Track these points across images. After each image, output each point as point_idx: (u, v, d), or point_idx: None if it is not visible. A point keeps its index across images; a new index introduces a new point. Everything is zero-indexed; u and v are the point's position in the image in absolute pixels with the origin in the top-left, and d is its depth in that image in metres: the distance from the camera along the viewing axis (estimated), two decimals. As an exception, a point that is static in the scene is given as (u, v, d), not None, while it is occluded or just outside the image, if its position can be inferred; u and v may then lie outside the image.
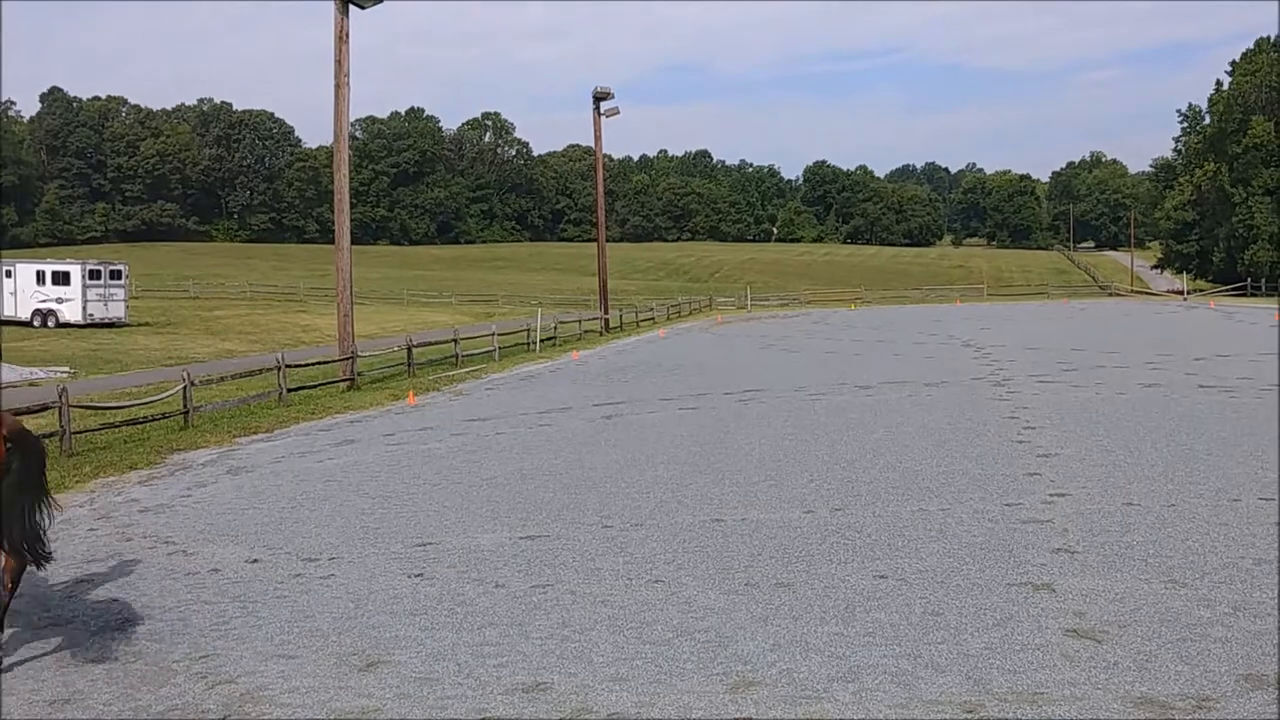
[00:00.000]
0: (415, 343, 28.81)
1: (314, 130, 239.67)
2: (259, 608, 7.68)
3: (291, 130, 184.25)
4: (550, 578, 8.20)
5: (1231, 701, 5.52)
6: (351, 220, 25.55)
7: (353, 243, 25.74)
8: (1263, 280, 68.51)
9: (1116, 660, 6.12)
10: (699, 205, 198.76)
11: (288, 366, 21.77)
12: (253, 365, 25.58)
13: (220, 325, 45.63)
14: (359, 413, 19.51)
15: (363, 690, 6.06)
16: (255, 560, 9.02)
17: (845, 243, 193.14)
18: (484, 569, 8.51)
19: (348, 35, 24.23)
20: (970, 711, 5.50)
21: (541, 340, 36.22)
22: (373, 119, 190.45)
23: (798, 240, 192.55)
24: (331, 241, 26.43)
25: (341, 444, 15.62)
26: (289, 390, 21.28)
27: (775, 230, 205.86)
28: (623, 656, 6.46)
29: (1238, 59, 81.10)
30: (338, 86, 24.36)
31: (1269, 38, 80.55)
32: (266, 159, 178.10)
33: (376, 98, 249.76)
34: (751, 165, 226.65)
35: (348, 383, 23.76)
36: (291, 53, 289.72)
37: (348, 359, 24.29)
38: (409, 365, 27.13)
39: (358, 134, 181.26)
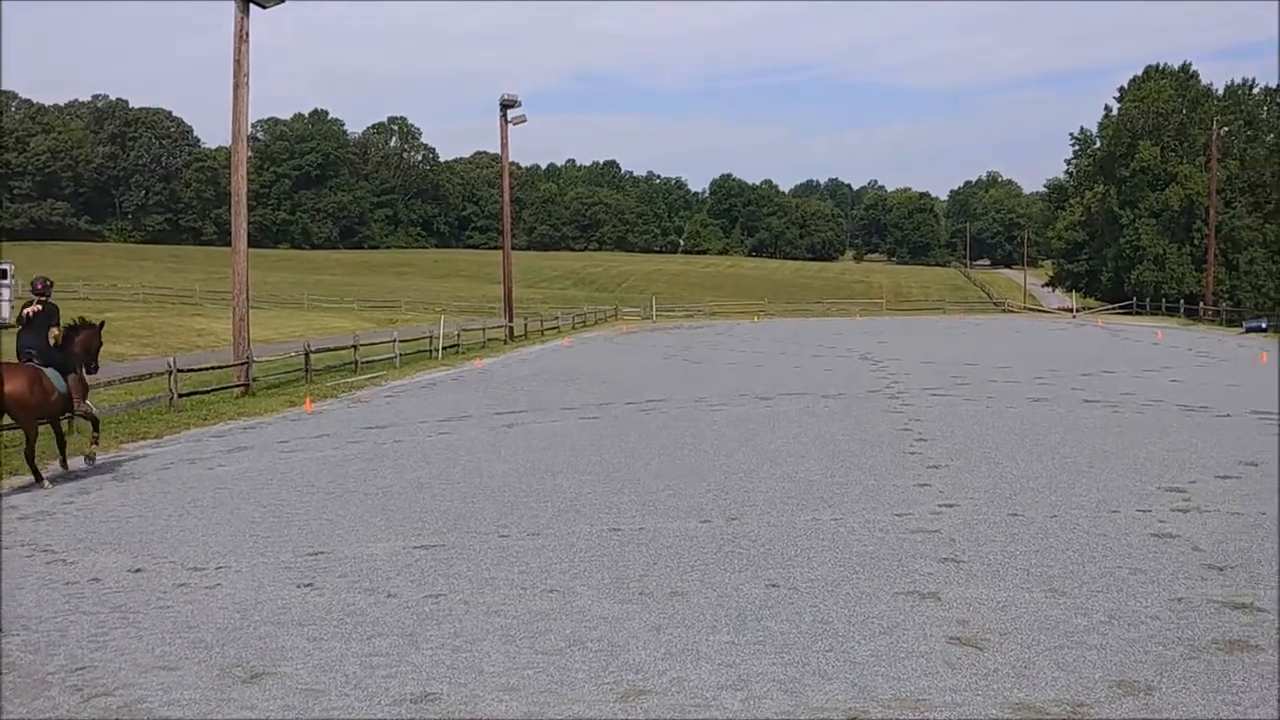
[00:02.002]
0: (314, 348, 28.36)
1: (213, 130, 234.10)
2: (140, 618, 7.47)
3: (190, 130, 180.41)
4: (444, 587, 8.13)
5: (1105, 707, 5.70)
6: (251, 223, 25.08)
7: (252, 246, 25.28)
8: (1147, 299, 71.03)
9: (996, 667, 6.28)
10: (606, 215, 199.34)
11: (180, 371, 21.25)
12: (143, 369, 24.88)
13: (111, 328, 44.12)
14: (253, 419, 19.12)
15: (246, 703, 5.93)
16: (138, 569, 8.77)
17: (750, 256, 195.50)
18: (376, 579, 8.41)
19: (248, 34, 23.80)
20: (854, 718, 5.60)
21: (444, 348, 35.93)
22: (275, 120, 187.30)
23: (704, 252, 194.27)
24: (230, 244, 25.86)
25: (234, 451, 15.29)
26: (181, 395, 20.76)
27: (682, 242, 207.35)
28: (514, 666, 6.44)
29: (1126, 85, 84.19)
30: (236, 86, 23.90)
31: (1157, 66, 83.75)
32: (163, 159, 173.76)
33: (279, 99, 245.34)
34: (659, 177, 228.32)
35: (243, 388, 23.28)
36: (191, 51, 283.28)
37: (243, 364, 23.81)
38: (307, 371, 26.69)
39: (259, 135, 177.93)
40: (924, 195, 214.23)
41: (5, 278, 42.91)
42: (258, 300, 53.38)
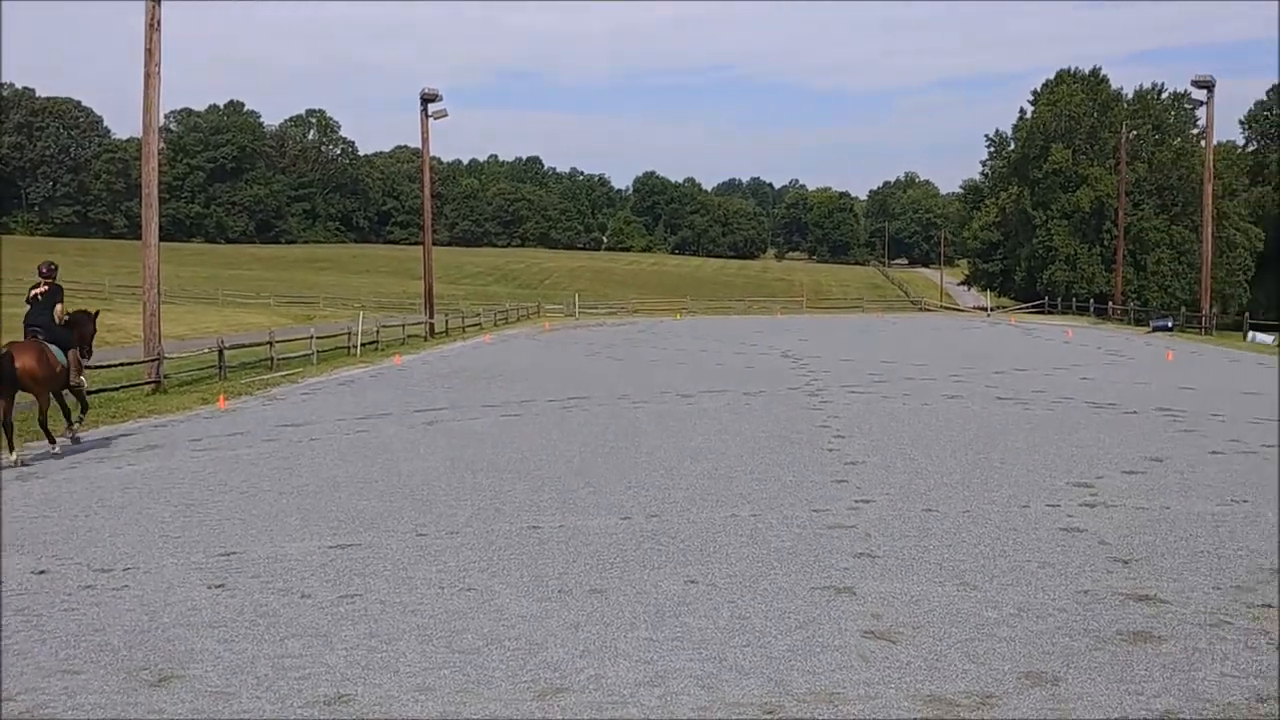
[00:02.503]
0: (228, 345, 27.80)
1: (124, 121, 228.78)
2: (44, 621, 7.26)
3: (100, 120, 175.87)
4: (359, 587, 8.03)
5: (1013, 698, 5.82)
6: (163, 216, 24.54)
7: (165, 240, 24.75)
8: (1059, 298, 72.73)
9: (909, 660, 6.38)
10: (529, 211, 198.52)
11: (88, 367, 20.65)
12: (50, 366, 24.17)
13: (15, 323, 43.05)
14: (164, 417, 18.71)
15: (153, 706, 5.79)
16: (42, 571, 8.52)
17: (673, 253, 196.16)
18: (290, 579, 8.27)
19: (159, 23, 23.26)
20: (770, 712, 5.64)
21: (363, 344, 35.48)
22: (189, 111, 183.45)
23: (627, 250, 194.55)
24: (140, 238, 25.25)
25: (143, 449, 14.94)
26: (89, 393, 20.18)
27: (605, 239, 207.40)
28: (430, 666, 6.38)
29: (1040, 89, 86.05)
30: (148, 76, 23.37)
31: (1069, 70, 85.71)
32: (72, 149, 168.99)
33: (194, 90, 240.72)
34: (582, 174, 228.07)
35: (153, 385, 22.76)
36: (101, 40, 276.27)
37: (154, 360, 23.28)
38: (220, 368, 26.16)
39: (172, 126, 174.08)
40: (844, 195, 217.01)
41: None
42: (170, 295, 52.26)
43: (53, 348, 14.68)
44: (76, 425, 15.65)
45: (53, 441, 14.48)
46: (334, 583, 8.16)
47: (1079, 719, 5.55)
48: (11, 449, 13.80)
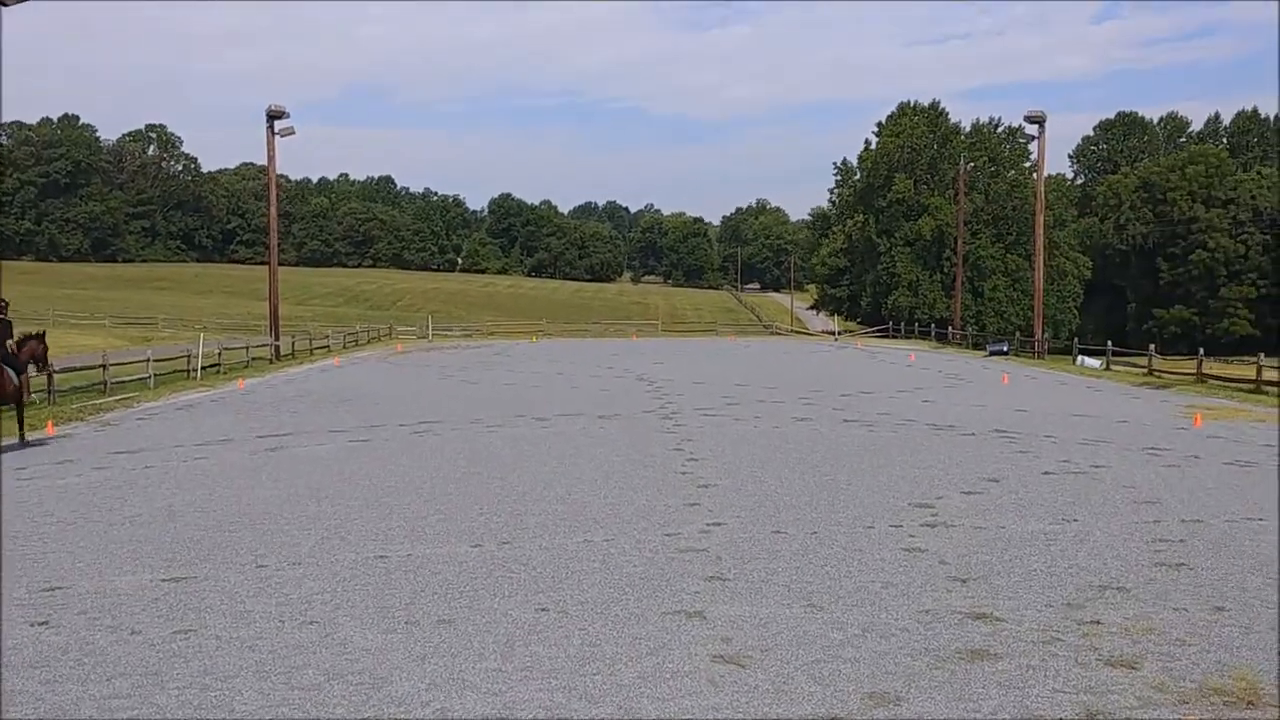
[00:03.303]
0: (58, 368, 26.46)
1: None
2: None
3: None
4: (194, 622, 7.68)
5: (857, 719, 5.91)
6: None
7: (-14, 256, 23.39)
8: (903, 323, 75.16)
9: (757, 684, 6.42)
10: (381, 232, 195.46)
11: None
12: None
13: None
14: (-14, 444, 17.64)
15: (-38, 758, 5.41)
16: None
17: (529, 275, 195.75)
18: (119, 615, 7.86)
19: (-15, 29, 22.07)
20: (619, 742, 5.60)
21: (204, 367, 34.24)
22: (20, 124, 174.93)
23: (483, 271, 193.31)
24: (-40, 254, 23.83)
25: (-39, 479, 14.04)
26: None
27: (460, 260, 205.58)
28: (268, 704, 6.13)
29: (884, 121, 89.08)
30: (-28, 84, 22.11)
31: (909, 103, 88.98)
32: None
33: (24, 101, 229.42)
34: (436, 194, 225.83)
35: (-25, 411, 21.45)
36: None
37: (-25, 384, 21.95)
38: (50, 392, 24.88)
39: (2, 140, 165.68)
40: (698, 220, 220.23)
41: None
42: (-4, 315, 49.30)
43: (10, 372, 17.97)
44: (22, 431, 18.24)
45: (23, 439, 17.90)
46: (166, 618, 7.79)
47: (920, 737, 5.67)
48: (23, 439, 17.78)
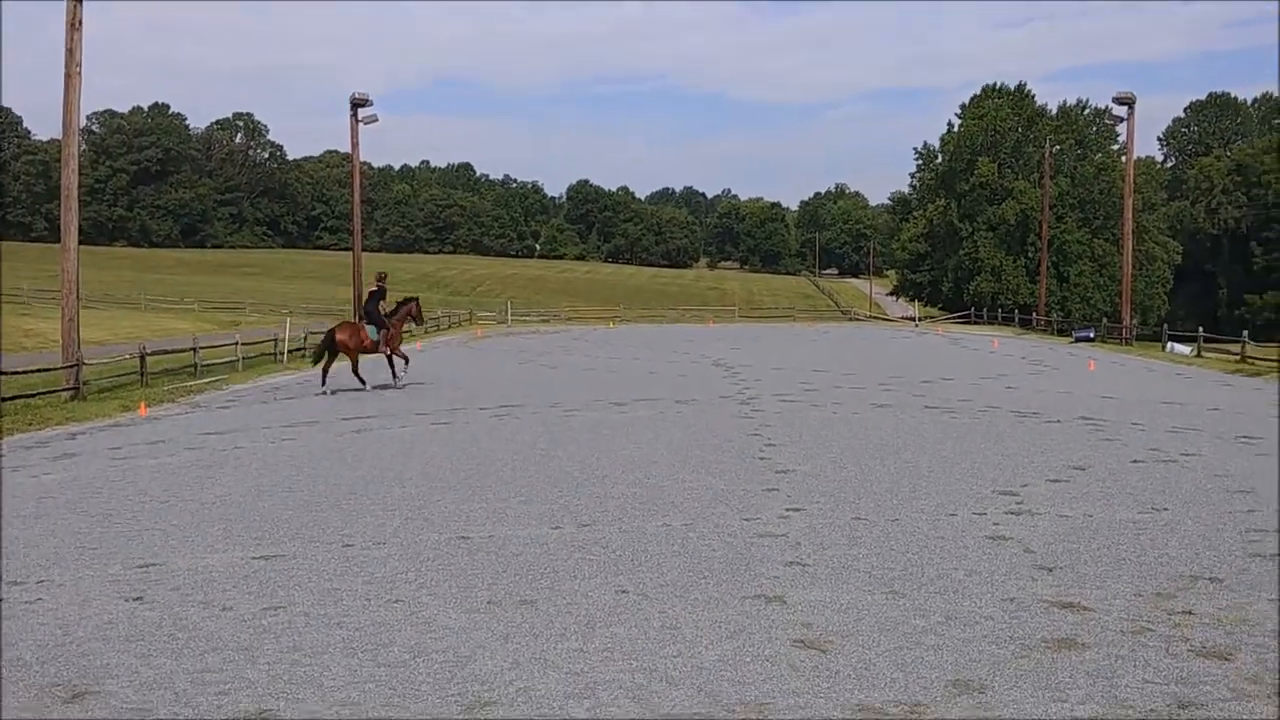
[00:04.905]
0: (150, 350, 27.22)
1: (45, 122, 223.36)
2: (-50, 638, 7.00)
3: (20, 120, 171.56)
4: (283, 599, 7.87)
5: (941, 706, 5.86)
6: (85, 219, 24.00)
7: (87, 243, 24.25)
8: (985, 309, 73.96)
9: (838, 669, 6.39)
10: (461, 218, 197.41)
11: (3, 374, 20.11)
12: (-38, 372, 23.48)
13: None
14: (82, 424, 18.25)
15: (65, 725, 5.61)
16: (-50, 585, 8.22)
17: (606, 261, 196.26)
18: (211, 591, 8.08)
19: (80, 22, 22.74)
20: (700, 724, 5.61)
21: (290, 351, 34.93)
22: (112, 113, 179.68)
23: (560, 257, 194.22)
24: (60, 240, 24.61)
25: (60, 458, 14.54)
26: (4, 399, 19.63)
27: (538, 247, 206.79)
28: (356, 680, 6.26)
29: (967, 103, 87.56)
30: (68, 76, 22.81)
31: (994, 85, 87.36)
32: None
33: (118, 91, 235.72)
34: (515, 181, 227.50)
35: (72, 392, 22.19)
36: (23, 39, 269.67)
37: (73, 366, 22.69)
38: (142, 374, 25.59)
39: (94, 128, 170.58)
40: (775, 205, 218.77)
41: None
42: (91, 300, 50.97)
43: (370, 328, 24.03)
44: (398, 377, 24.50)
45: (363, 384, 23.60)
46: (257, 595, 7.99)
47: (1005, 726, 5.59)
48: (363, 384, 23.71)
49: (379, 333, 23.97)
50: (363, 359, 24.19)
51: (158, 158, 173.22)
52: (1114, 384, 26.64)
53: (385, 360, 24.51)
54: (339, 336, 23.83)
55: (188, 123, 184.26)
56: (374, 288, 24.64)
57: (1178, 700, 5.93)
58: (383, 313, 24.16)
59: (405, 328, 25.44)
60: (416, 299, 25.50)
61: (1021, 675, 6.30)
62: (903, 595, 7.93)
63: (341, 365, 24.50)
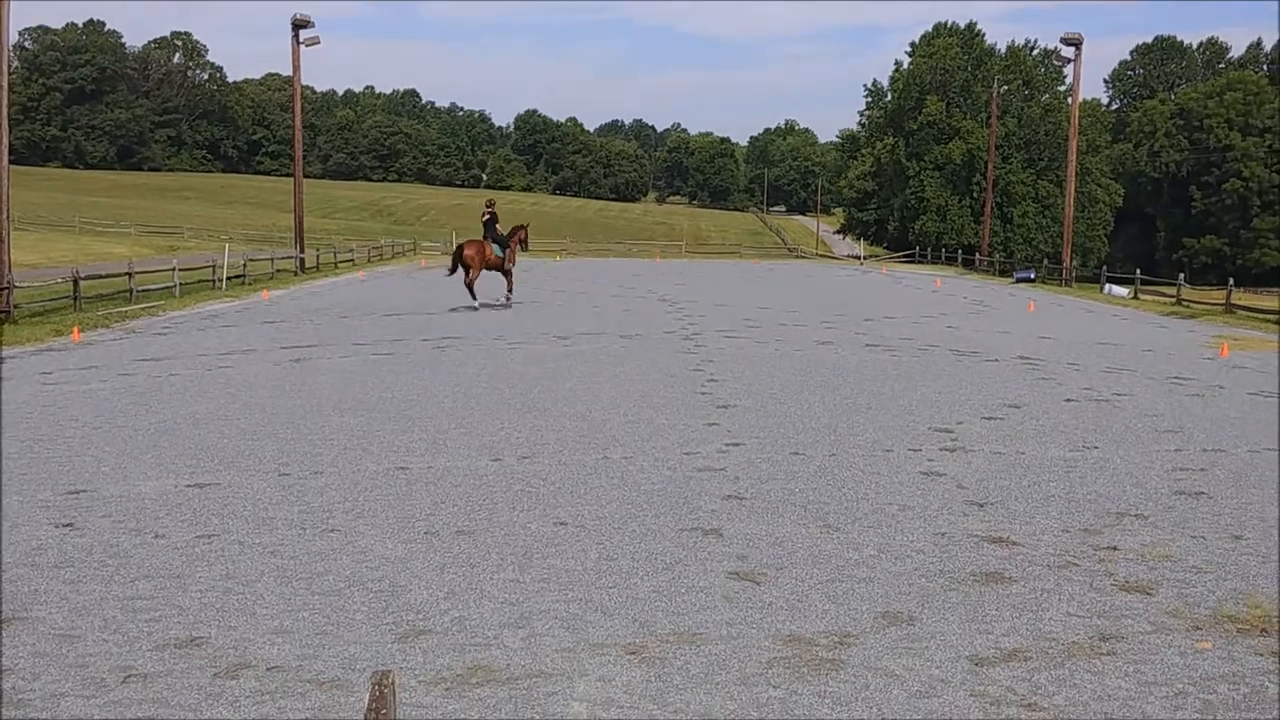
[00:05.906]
0: (84, 275, 26.63)
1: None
2: (-128, 564, 6.86)
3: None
4: (217, 527, 7.79)
5: (869, 637, 5.96)
6: (16, 139, 23.20)
7: (18, 163, 23.44)
8: (929, 248, 74.51)
9: (771, 600, 6.48)
10: (406, 146, 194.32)
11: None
12: (-113, 293, 22.83)
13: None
14: (12, 349, 17.86)
15: (-10, 652, 5.53)
16: (-128, 511, 8.05)
17: (554, 194, 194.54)
18: (143, 518, 7.98)
19: (8, -70, 21.84)
20: (633, 653, 5.67)
21: (229, 278, 34.37)
22: (45, 29, 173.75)
23: (507, 188, 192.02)
24: (-14, 159, 23.86)
25: (-11, 383, 14.21)
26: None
27: (485, 177, 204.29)
28: (289, 609, 6.23)
29: (917, 41, 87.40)
30: (-5, -13, 21.94)
31: (945, 23, 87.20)
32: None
33: (52, 7, 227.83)
34: (462, 109, 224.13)
35: (2, 315, 21.67)
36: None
37: (3, 289, 22.15)
38: (76, 299, 25.07)
39: (27, 44, 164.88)
40: (725, 140, 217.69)
41: None
42: (22, 222, 49.59)
43: (494, 247, 26.99)
44: (509, 295, 27.86)
45: (474, 298, 26.48)
46: (190, 522, 7.91)
47: (931, 658, 5.71)
48: (474, 298, 26.48)
49: (504, 250, 27.12)
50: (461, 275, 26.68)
51: (93, 76, 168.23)
52: (1052, 324, 27.04)
53: (502, 275, 27.58)
54: (467, 252, 26.31)
55: (124, 41, 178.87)
56: (486, 215, 27.58)
57: (1099, 633, 6.09)
58: (498, 233, 27.31)
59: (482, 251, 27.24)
60: (526, 226, 28.39)
61: (949, 608, 6.42)
62: (837, 529, 8.04)
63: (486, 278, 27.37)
